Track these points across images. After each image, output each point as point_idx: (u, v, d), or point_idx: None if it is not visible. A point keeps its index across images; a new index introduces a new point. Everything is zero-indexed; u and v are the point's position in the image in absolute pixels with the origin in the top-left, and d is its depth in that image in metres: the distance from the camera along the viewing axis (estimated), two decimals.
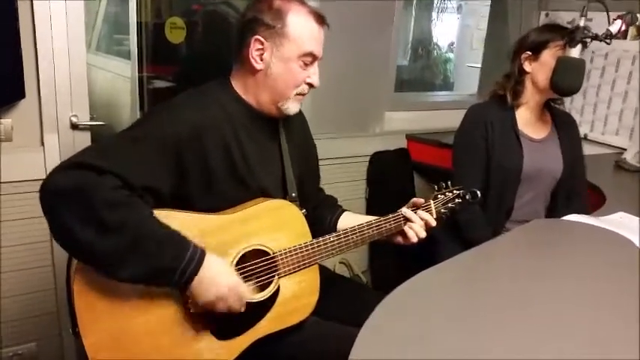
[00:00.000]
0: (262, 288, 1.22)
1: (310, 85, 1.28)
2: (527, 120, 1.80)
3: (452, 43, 5.67)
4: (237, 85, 1.29)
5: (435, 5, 5.19)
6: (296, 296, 1.25)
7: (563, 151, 1.81)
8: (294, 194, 1.36)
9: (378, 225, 1.34)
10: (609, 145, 2.64)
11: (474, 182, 1.69)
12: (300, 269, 1.24)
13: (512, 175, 1.76)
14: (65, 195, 1.00)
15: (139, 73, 2.61)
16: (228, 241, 1.17)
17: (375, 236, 1.34)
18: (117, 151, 1.10)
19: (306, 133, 1.49)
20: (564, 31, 1.71)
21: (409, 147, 2.68)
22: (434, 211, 1.40)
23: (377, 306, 0.93)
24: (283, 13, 1.21)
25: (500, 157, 1.75)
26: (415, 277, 1.07)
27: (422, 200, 1.39)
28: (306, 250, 1.24)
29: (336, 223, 1.47)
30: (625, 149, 2.45)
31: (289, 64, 1.23)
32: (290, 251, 1.22)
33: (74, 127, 1.83)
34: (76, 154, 1.09)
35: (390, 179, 2.62)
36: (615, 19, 1.60)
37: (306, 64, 1.25)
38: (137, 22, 2.51)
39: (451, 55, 5.56)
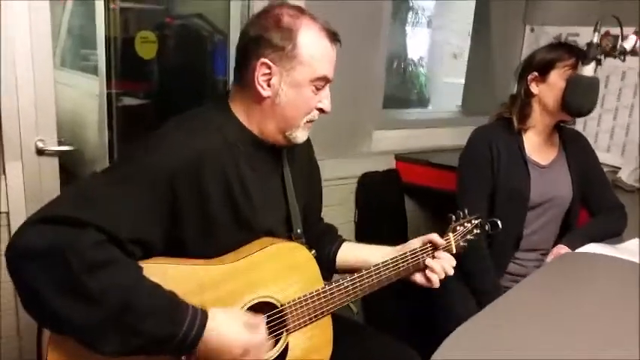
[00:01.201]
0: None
1: (321, 111, 1.12)
2: (534, 144, 1.69)
3: (421, 58, 5.66)
4: (237, 109, 1.12)
5: (409, 19, 5.14)
6: (307, 353, 1.09)
7: (572, 174, 1.71)
8: (299, 230, 1.21)
9: (395, 265, 1.19)
10: (601, 164, 2.59)
11: (479, 210, 1.58)
12: (312, 322, 1.08)
13: (519, 204, 1.65)
14: (37, 257, 0.83)
15: (107, 89, 2.44)
16: (231, 295, 1.00)
17: (393, 278, 1.19)
18: (99, 198, 0.92)
19: (311, 155, 1.33)
20: (572, 49, 1.62)
21: (398, 167, 2.56)
22: (454, 247, 1.27)
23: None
24: (294, 32, 1.05)
25: (507, 184, 1.65)
26: (471, 319, 1.06)
27: (442, 241, 1.25)
28: (318, 300, 1.09)
29: (336, 255, 1.32)
30: (617, 167, 2.40)
31: (301, 89, 1.07)
32: (300, 302, 1.07)
33: (40, 152, 1.61)
34: (49, 204, 0.91)
35: (380, 201, 2.49)
36: (629, 35, 1.52)
37: (317, 89, 1.10)
38: (105, 36, 2.34)
39: (422, 71, 5.55)
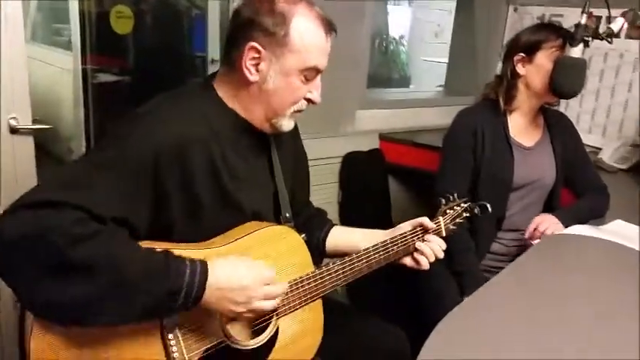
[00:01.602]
0: (258, 332, 1.03)
1: (310, 101, 1.09)
2: (519, 126, 1.69)
3: (402, 37, 5.61)
4: (223, 92, 1.08)
5: None
6: (297, 338, 1.07)
7: (556, 156, 1.72)
8: (287, 214, 1.18)
9: (386, 249, 1.18)
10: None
11: (460, 191, 1.59)
12: (302, 306, 1.06)
13: (502, 185, 1.66)
14: (21, 244, 0.80)
15: (82, 65, 2.36)
16: None
17: (382, 262, 1.18)
18: (79, 180, 0.89)
19: (297, 139, 1.30)
20: (559, 30, 1.61)
21: (382, 147, 2.54)
22: (443, 230, 1.26)
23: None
24: (287, 19, 1.00)
25: (490, 166, 1.64)
26: (463, 303, 1.03)
27: (432, 224, 1.23)
28: (308, 284, 1.06)
29: (325, 239, 1.30)
30: (598, 148, 2.42)
31: (289, 78, 1.03)
32: (291, 286, 1.04)
33: (13, 131, 1.54)
34: (30, 191, 0.87)
35: (364, 182, 2.47)
36: (616, 17, 1.50)
37: (307, 79, 1.06)
38: (79, 10, 2.25)
39: (404, 49, 5.50)
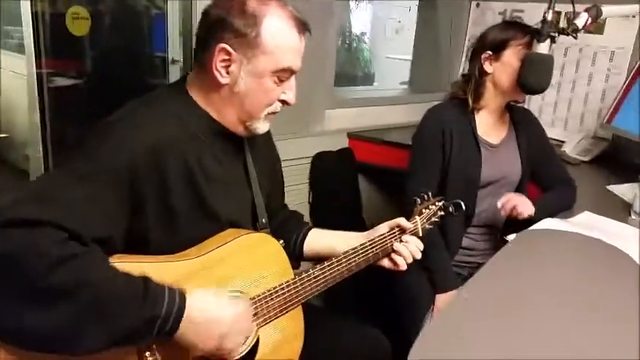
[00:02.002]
0: None
1: (284, 103, 1.06)
2: (487, 124, 1.71)
3: (364, 34, 5.62)
4: (196, 95, 1.04)
5: None
6: (278, 346, 1.04)
7: (521, 152, 1.74)
8: (264, 220, 1.16)
9: (365, 251, 1.16)
10: None
11: (428, 188, 1.59)
12: (283, 314, 1.04)
13: (471, 184, 1.67)
14: None
15: (37, 69, 2.26)
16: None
17: (362, 264, 1.16)
18: (56, 196, 0.83)
19: (270, 142, 1.27)
20: (526, 28, 1.62)
21: (352, 146, 2.52)
22: (420, 230, 1.25)
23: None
24: (258, 19, 0.97)
25: (458, 165, 1.66)
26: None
27: (409, 225, 1.23)
28: (288, 291, 1.04)
29: (303, 243, 1.28)
30: (562, 141, 2.47)
31: (261, 80, 1.00)
32: (270, 295, 1.02)
33: None
34: (0, 207, 0.81)
35: (334, 181, 2.45)
36: (580, 13, 1.53)
37: (281, 80, 1.03)
38: (32, 12, 2.16)
39: (366, 47, 5.51)
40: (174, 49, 3.07)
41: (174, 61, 3.02)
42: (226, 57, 0.98)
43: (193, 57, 1.06)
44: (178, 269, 0.92)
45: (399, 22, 5.55)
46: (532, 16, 2.58)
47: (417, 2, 3.12)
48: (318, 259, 1.17)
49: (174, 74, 3.02)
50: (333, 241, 1.25)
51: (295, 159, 2.36)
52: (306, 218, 2.41)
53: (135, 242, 0.93)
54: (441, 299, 1.57)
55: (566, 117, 2.56)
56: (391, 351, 1.35)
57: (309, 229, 1.31)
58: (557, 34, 1.51)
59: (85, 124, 2.17)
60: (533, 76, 1.52)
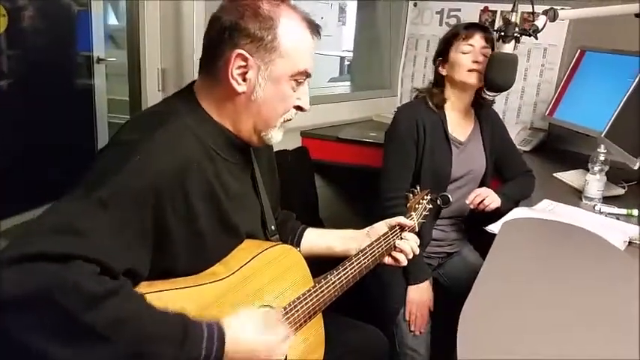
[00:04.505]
0: None
1: (299, 109, 1.03)
2: (455, 122, 1.79)
3: None
4: (207, 106, 0.99)
5: None
6: (303, 356, 1.03)
7: (485, 147, 1.84)
8: (272, 227, 1.14)
9: (372, 252, 1.17)
10: None
11: (404, 185, 1.67)
12: (306, 323, 1.02)
13: (442, 179, 1.75)
14: (23, 306, 0.67)
15: None
16: (229, 310, 0.90)
17: (371, 265, 1.18)
18: (81, 227, 0.75)
19: (270, 149, 1.24)
20: (461, 24, 1.77)
21: (306, 144, 2.52)
22: (416, 226, 1.29)
23: None
24: (274, 22, 0.93)
25: (431, 162, 1.72)
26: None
27: (411, 222, 1.26)
28: (311, 299, 1.02)
29: (299, 244, 1.28)
30: None
31: (280, 85, 0.96)
32: (295, 305, 1.00)
33: None
34: (23, 237, 0.73)
35: (291, 180, 2.42)
36: (539, 14, 1.64)
37: (298, 84, 0.99)
38: None
39: None
40: (99, 48, 2.90)
41: (99, 60, 2.85)
42: (243, 63, 0.93)
43: (200, 66, 1.00)
44: (211, 292, 0.89)
45: (322, 18, 5.59)
46: (468, 15, 2.70)
47: (351, 2, 3.15)
48: (315, 258, 1.18)
49: (99, 74, 2.85)
50: (330, 241, 1.27)
51: None
52: None
53: (161, 270, 0.88)
54: (413, 291, 1.62)
55: (504, 110, 2.70)
56: (388, 347, 1.39)
57: (305, 229, 1.31)
58: (520, 35, 1.60)
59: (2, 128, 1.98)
60: (499, 74, 1.61)
